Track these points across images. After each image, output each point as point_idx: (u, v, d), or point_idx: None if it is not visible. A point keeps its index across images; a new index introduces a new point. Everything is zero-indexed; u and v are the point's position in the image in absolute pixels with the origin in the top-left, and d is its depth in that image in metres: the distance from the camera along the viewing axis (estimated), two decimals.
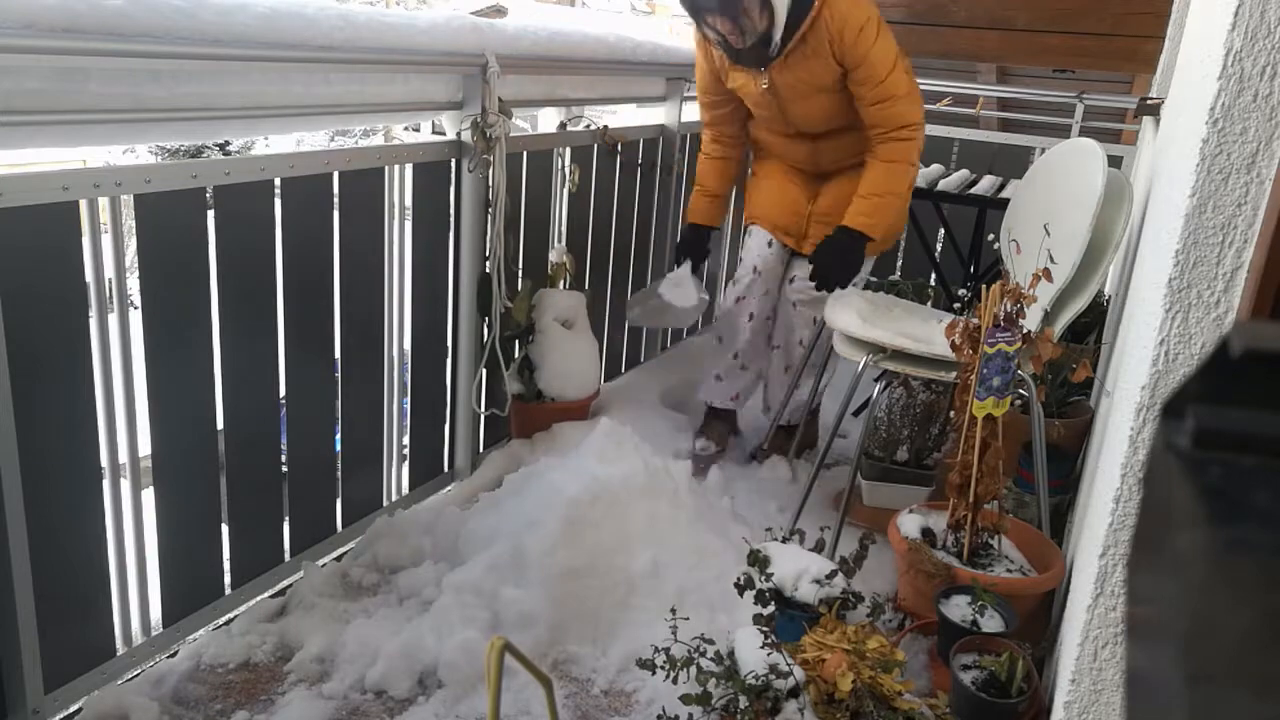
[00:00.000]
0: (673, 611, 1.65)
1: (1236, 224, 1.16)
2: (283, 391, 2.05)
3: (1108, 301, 2.85)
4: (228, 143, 7.44)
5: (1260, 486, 0.25)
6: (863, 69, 2.47)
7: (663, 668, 1.56)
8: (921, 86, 2.87)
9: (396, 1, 15.40)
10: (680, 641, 1.58)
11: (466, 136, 2.36)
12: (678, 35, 5.25)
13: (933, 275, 3.80)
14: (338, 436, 2.25)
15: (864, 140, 2.61)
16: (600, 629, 1.97)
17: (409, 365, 2.46)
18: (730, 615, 1.94)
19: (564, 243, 2.96)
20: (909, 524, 2.05)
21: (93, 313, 1.64)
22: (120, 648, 1.80)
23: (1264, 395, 0.25)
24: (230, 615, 1.99)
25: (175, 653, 1.88)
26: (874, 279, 3.13)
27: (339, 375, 2.22)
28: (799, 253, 2.78)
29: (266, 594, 2.07)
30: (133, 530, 1.78)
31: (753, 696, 1.47)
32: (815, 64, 2.50)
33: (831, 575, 1.79)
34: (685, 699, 1.53)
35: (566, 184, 2.89)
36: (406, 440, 2.51)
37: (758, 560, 1.83)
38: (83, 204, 1.57)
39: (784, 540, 1.93)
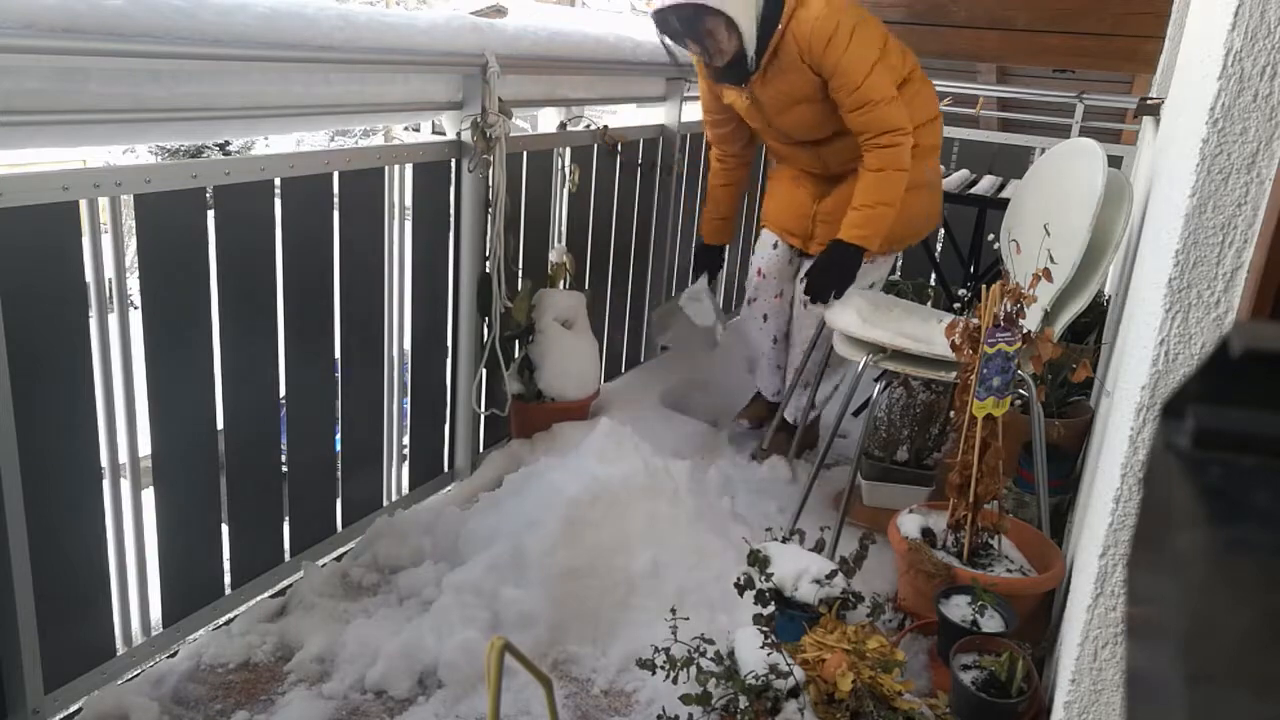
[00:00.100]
0: (673, 611, 1.65)
1: (1236, 224, 1.16)
2: (283, 391, 2.05)
3: (1108, 301, 2.85)
4: (228, 143, 7.45)
5: (1260, 486, 0.25)
6: (836, 77, 2.48)
7: (663, 668, 1.56)
8: None
9: (396, 1, 15.40)
10: (680, 641, 1.58)
11: (466, 136, 2.36)
12: None
13: (933, 275, 3.81)
14: (338, 436, 2.25)
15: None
16: (600, 629, 1.97)
17: (409, 365, 2.46)
18: (730, 615, 1.94)
19: (564, 243, 2.96)
20: (909, 524, 2.05)
21: (93, 313, 1.64)
22: (120, 648, 1.80)
23: (1264, 395, 0.25)
24: (230, 615, 1.99)
25: (175, 653, 1.88)
26: (894, 278, 3.17)
27: (339, 375, 2.22)
28: (806, 253, 2.81)
29: (266, 594, 2.07)
30: (133, 530, 1.78)
31: (753, 696, 1.47)
32: (792, 76, 2.52)
33: (831, 575, 1.79)
34: (685, 699, 1.53)
35: (566, 184, 2.89)
36: (406, 440, 2.51)
37: (758, 560, 1.83)
38: (83, 204, 1.57)
39: (784, 540, 1.93)
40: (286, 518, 2.14)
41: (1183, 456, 0.26)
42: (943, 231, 3.83)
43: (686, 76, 3.23)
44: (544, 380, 2.70)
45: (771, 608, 1.78)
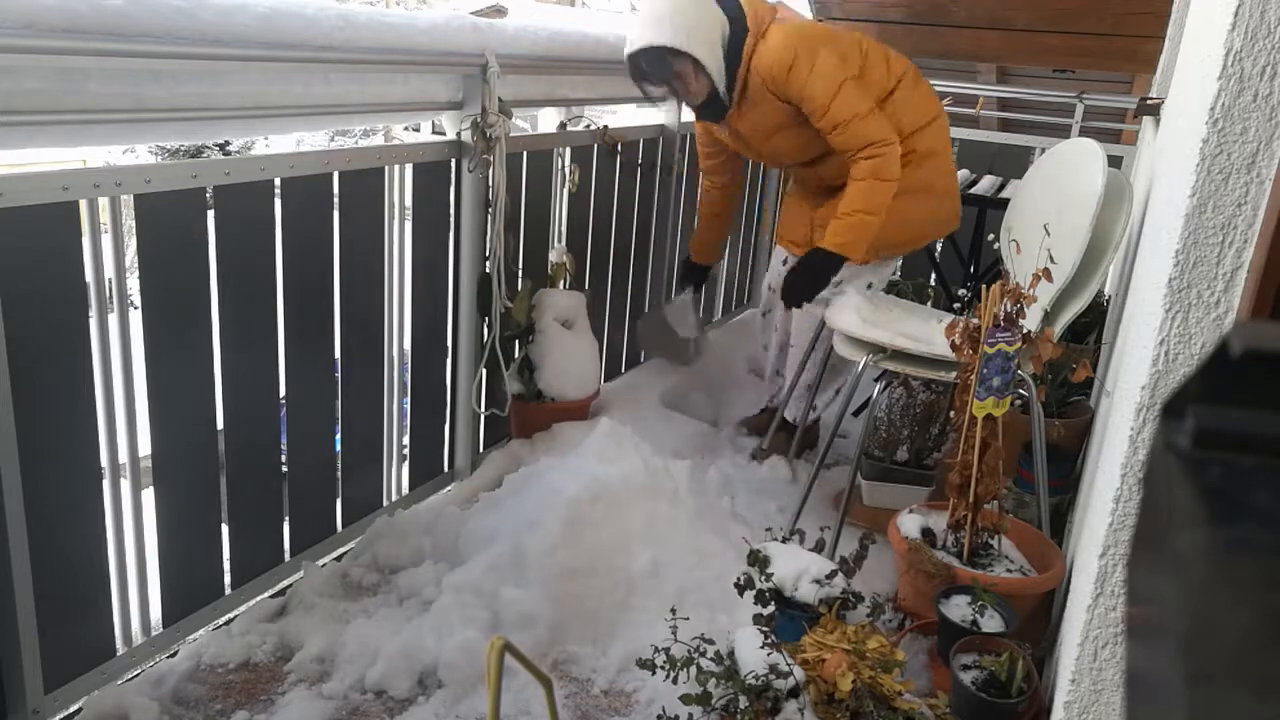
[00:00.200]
0: (673, 611, 1.65)
1: (1236, 224, 1.16)
2: (283, 391, 2.05)
3: (1108, 301, 2.85)
4: (228, 143, 7.45)
5: (1260, 486, 0.25)
6: (805, 103, 2.51)
7: (663, 668, 1.56)
8: None
9: (396, 1, 15.40)
10: (680, 641, 1.58)
11: (466, 136, 2.36)
12: None
13: (933, 275, 3.81)
14: (338, 436, 2.25)
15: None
16: (600, 629, 1.97)
17: (409, 365, 2.46)
18: (730, 615, 1.94)
19: (564, 243, 2.96)
20: (909, 524, 2.05)
21: (93, 313, 1.64)
22: (120, 648, 1.80)
23: (1264, 395, 0.25)
24: (230, 615, 1.99)
25: (175, 653, 1.88)
26: (894, 278, 3.20)
27: (339, 375, 2.22)
28: None
29: (266, 594, 2.07)
30: (133, 530, 1.78)
31: (753, 696, 1.47)
32: (764, 108, 2.58)
33: (831, 575, 1.79)
34: (685, 699, 1.53)
35: (566, 184, 2.89)
36: (406, 440, 2.51)
37: (758, 560, 1.83)
38: (83, 204, 1.57)
39: (784, 540, 1.93)
40: (286, 518, 2.14)
41: (1183, 456, 0.26)
42: None
43: None
44: (544, 380, 2.70)
45: (771, 608, 1.78)
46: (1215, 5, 1.26)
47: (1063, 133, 4.24)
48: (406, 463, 2.52)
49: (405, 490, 2.51)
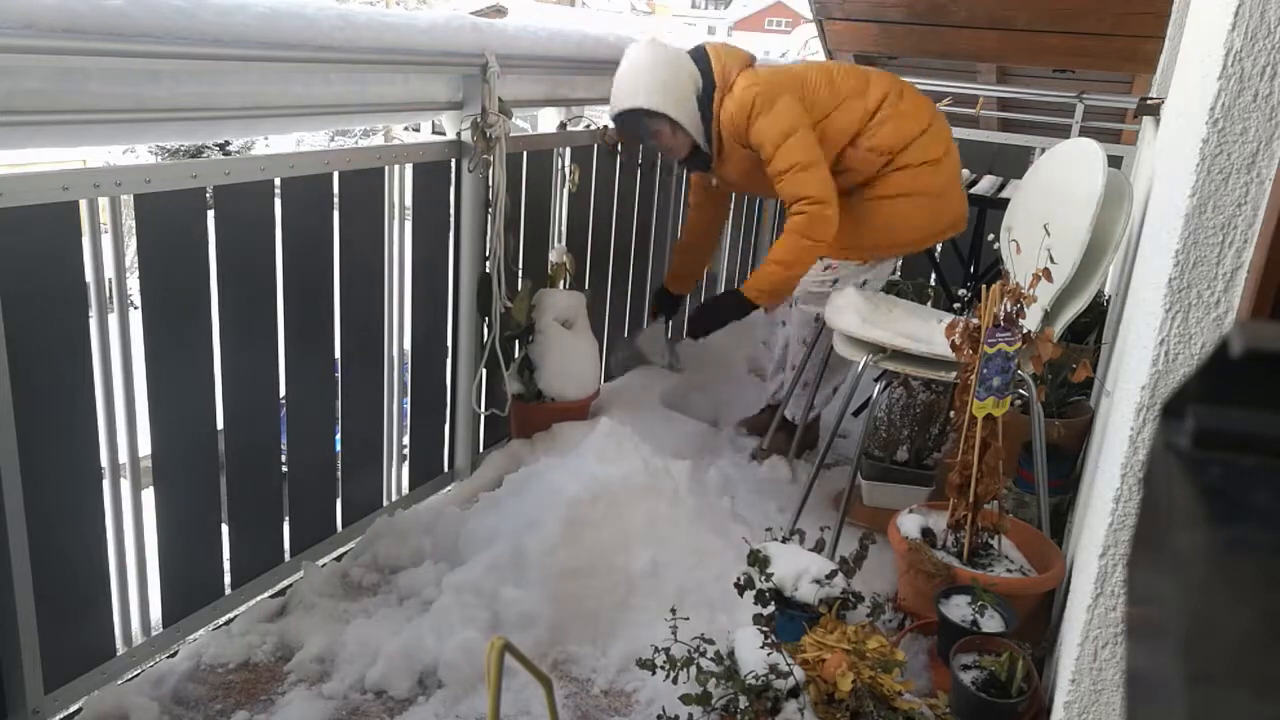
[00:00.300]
0: (673, 611, 1.65)
1: (1236, 224, 1.16)
2: (283, 391, 2.05)
3: (1108, 301, 2.85)
4: (228, 143, 7.45)
5: (1260, 486, 0.25)
6: (759, 150, 2.57)
7: (663, 668, 1.56)
8: (921, 87, 2.86)
9: (396, 1, 15.40)
10: (680, 641, 1.58)
11: (466, 136, 2.36)
12: (677, 35, 5.25)
13: (933, 275, 3.81)
14: (338, 436, 2.25)
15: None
16: (600, 629, 1.97)
17: (409, 365, 2.46)
18: (730, 615, 1.94)
19: (564, 243, 2.96)
20: (909, 524, 2.05)
21: (93, 313, 1.64)
22: (120, 648, 1.80)
23: (1264, 395, 0.25)
24: (230, 615, 1.99)
25: (175, 653, 1.88)
26: (894, 278, 3.21)
27: (339, 375, 2.22)
28: None
29: (266, 594, 2.07)
30: (133, 530, 1.78)
31: (753, 696, 1.47)
32: (739, 154, 2.66)
33: (831, 575, 1.79)
34: (685, 699, 1.53)
35: (566, 184, 2.89)
36: (406, 440, 2.51)
37: (758, 560, 1.83)
38: (83, 204, 1.57)
39: (784, 540, 1.93)
40: (286, 518, 2.14)
41: (1183, 456, 0.26)
42: None
43: None
44: (544, 380, 2.70)
45: (771, 608, 1.78)
46: (1215, 5, 1.26)
47: (1063, 133, 4.25)
48: (406, 463, 2.52)
49: (405, 490, 2.51)
